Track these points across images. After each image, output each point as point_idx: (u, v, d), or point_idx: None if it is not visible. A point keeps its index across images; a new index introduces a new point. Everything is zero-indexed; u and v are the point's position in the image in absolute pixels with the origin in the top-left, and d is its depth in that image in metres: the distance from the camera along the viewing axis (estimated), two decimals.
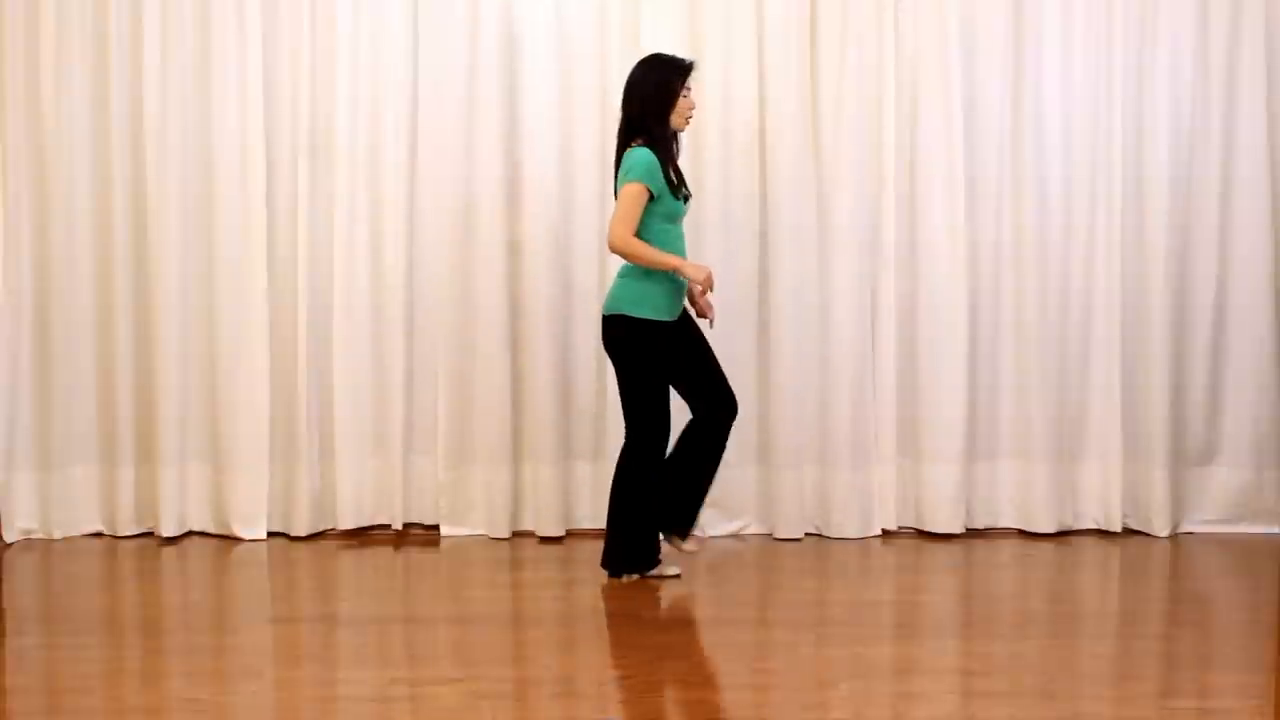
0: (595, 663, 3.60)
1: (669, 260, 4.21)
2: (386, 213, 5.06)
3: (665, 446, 4.36)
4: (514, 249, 5.07)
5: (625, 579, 4.39)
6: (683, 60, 4.33)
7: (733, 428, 4.44)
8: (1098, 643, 3.76)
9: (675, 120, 4.30)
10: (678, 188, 4.27)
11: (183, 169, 5.01)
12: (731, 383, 4.98)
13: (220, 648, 3.73)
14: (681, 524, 4.44)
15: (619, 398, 4.38)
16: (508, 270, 5.05)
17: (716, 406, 4.38)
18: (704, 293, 4.35)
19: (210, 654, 3.66)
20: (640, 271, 4.26)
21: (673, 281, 4.29)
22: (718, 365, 4.43)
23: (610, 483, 4.42)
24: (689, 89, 4.31)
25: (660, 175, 4.20)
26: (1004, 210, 5.09)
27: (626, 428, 4.36)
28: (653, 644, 3.78)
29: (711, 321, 4.52)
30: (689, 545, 4.45)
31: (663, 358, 4.30)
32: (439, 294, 5.09)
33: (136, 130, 5.00)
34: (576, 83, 5.05)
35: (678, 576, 4.42)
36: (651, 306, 4.26)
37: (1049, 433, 5.10)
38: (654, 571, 4.41)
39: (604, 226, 5.04)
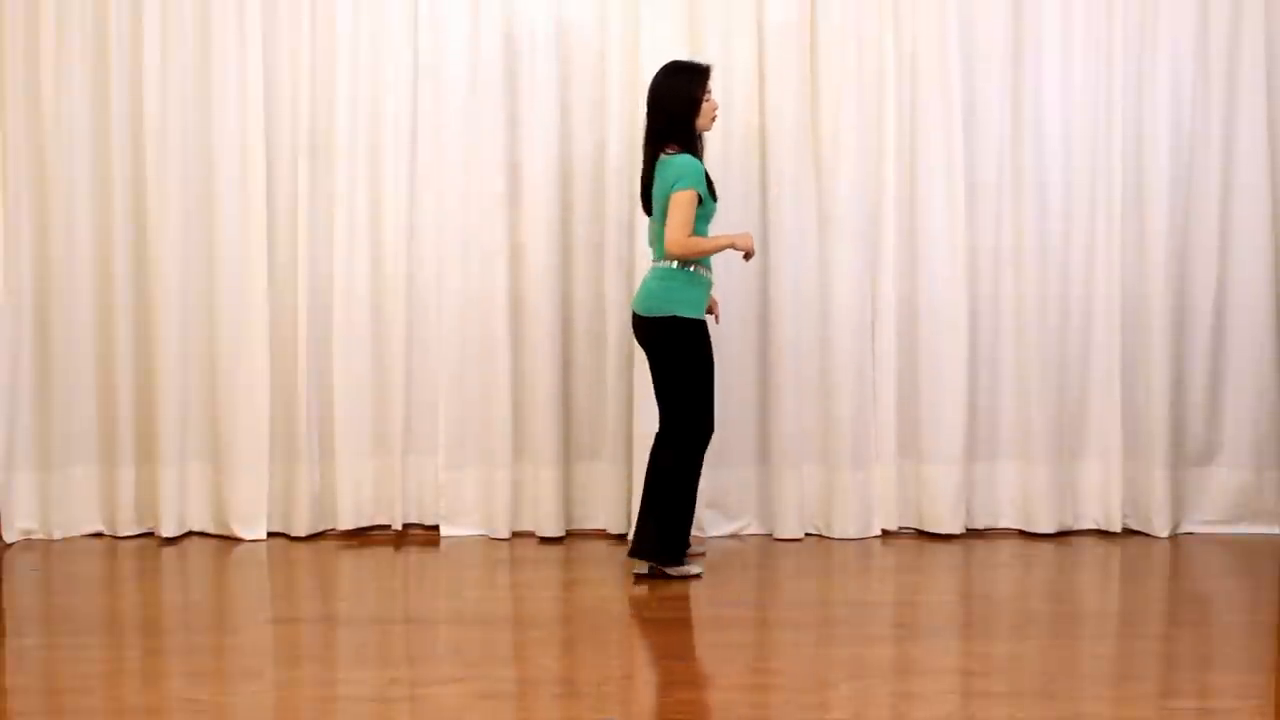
0: (595, 663, 3.60)
1: (722, 240, 4.36)
2: (386, 213, 5.07)
3: (708, 440, 4.42)
4: (514, 249, 5.07)
5: (653, 571, 4.41)
6: (701, 64, 4.43)
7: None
8: (1098, 643, 3.77)
9: (701, 123, 4.41)
10: (712, 190, 4.39)
11: (183, 169, 5.01)
12: (732, 383, 5.01)
13: (220, 648, 3.73)
14: (682, 547, 4.51)
15: (654, 393, 4.43)
16: (508, 270, 5.05)
17: (703, 423, 4.41)
18: (748, 257, 4.44)
19: (210, 654, 3.66)
20: (682, 273, 4.32)
21: (707, 283, 4.39)
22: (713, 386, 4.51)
23: (645, 472, 4.45)
24: (710, 91, 4.41)
25: (704, 180, 4.31)
26: (1004, 214, 5.08)
27: (665, 420, 4.39)
28: (653, 644, 3.78)
29: (717, 318, 4.64)
30: (695, 568, 4.50)
31: (707, 354, 4.38)
32: (439, 294, 5.09)
33: (136, 130, 5.00)
34: (576, 83, 5.05)
35: (699, 576, 4.44)
36: (697, 306, 4.35)
37: (1049, 433, 5.09)
38: (678, 570, 4.42)
39: (603, 225, 5.04)
